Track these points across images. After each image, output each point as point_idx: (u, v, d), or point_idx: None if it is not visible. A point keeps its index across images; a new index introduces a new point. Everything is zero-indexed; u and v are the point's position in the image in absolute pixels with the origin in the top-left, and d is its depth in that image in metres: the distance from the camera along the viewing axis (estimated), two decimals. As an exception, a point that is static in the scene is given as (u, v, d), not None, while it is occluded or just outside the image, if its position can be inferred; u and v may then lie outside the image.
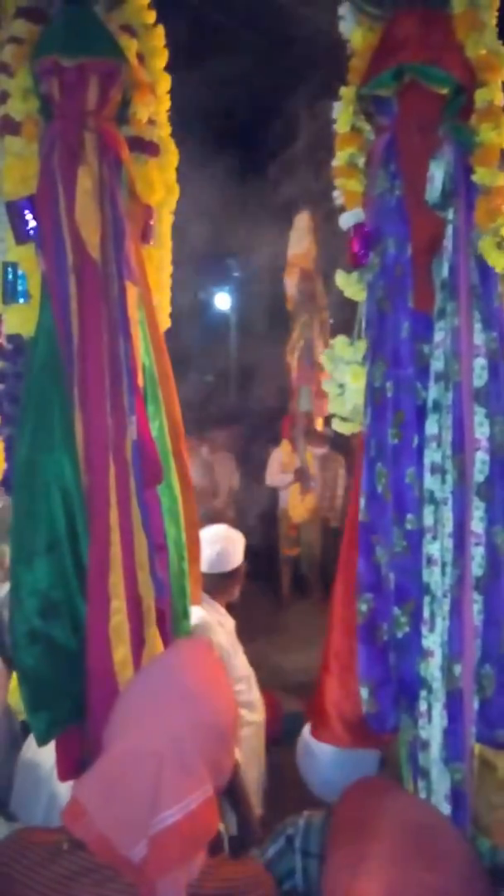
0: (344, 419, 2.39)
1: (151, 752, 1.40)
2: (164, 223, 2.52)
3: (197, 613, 3.21)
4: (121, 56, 2.23)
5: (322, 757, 2.26)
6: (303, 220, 7.13)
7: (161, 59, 2.42)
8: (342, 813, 1.35)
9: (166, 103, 2.46)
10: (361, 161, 2.38)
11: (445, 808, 1.89)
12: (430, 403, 2.07)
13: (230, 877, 1.45)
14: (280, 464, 7.31)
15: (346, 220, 2.37)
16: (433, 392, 2.06)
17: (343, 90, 2.37)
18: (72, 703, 2.16)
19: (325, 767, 2.28)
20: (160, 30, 2.41)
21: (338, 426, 2.41)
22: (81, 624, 2.15)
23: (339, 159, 2.40)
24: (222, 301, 21.45)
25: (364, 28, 2.30)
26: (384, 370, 2.18)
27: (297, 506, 7.09)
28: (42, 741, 2.15)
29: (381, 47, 2.21)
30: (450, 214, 2.10)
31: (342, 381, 2.37)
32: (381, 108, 2.26)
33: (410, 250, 2.16)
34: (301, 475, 6.95)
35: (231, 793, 3.14)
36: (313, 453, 7.22)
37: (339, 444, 9.62)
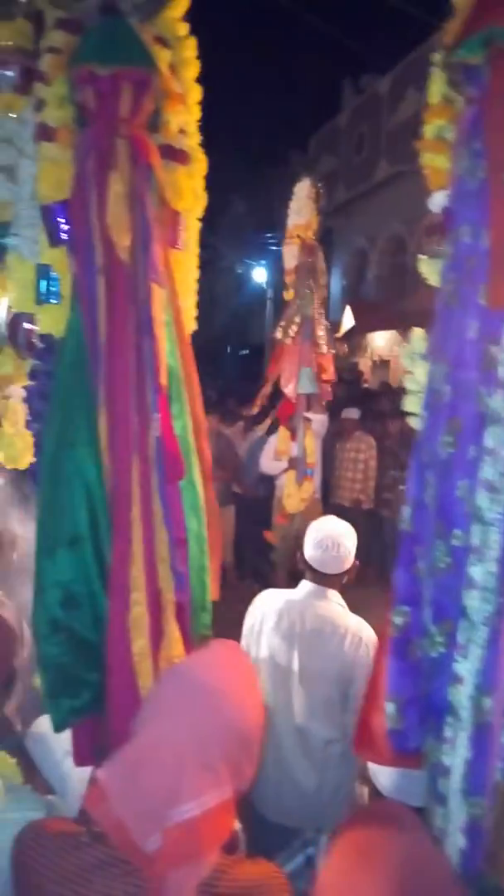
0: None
1: (176, 745, 1.43)
2: (190, 229, 2.55)
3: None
4: (153, 66, 2.26)
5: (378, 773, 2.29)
6: (303, 189, 6.36)
7: (192, 69, 2.45)
8: (346, 835, 1.40)
9: (196, 113, 2.49)
10: (452, 136, 2.13)
11: (460, 840, 1.86)
12: (491, 413, 1.90)
13: (244, 877, 1.47)
14: (275, 451, 6.66)
15: (436, 202, 2.20)
16: (495, 401, 1.89)
17: (435, 56, 2.14)
18: (90, 693, 2.21)
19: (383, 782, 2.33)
20: (192, 41, 2.44)
21: (415, 424, 2.23)
22: (102, 617, 2.21)
23: (427, 132, 2.20)
24: (259, 274, 21.51)
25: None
26: (445, 371, 2.02)
27: (292, 494, 6.36)
28: (59, 728, 2.20)
29: (472, 8, 1.97)
30: None
31: (421, 378, 2.21)
32: (471, 77, 2.01)
33: (488, 240, 1.93)
34: (296, 463, 6.29)
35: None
36: (313, 432, 6.49)
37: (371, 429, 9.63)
